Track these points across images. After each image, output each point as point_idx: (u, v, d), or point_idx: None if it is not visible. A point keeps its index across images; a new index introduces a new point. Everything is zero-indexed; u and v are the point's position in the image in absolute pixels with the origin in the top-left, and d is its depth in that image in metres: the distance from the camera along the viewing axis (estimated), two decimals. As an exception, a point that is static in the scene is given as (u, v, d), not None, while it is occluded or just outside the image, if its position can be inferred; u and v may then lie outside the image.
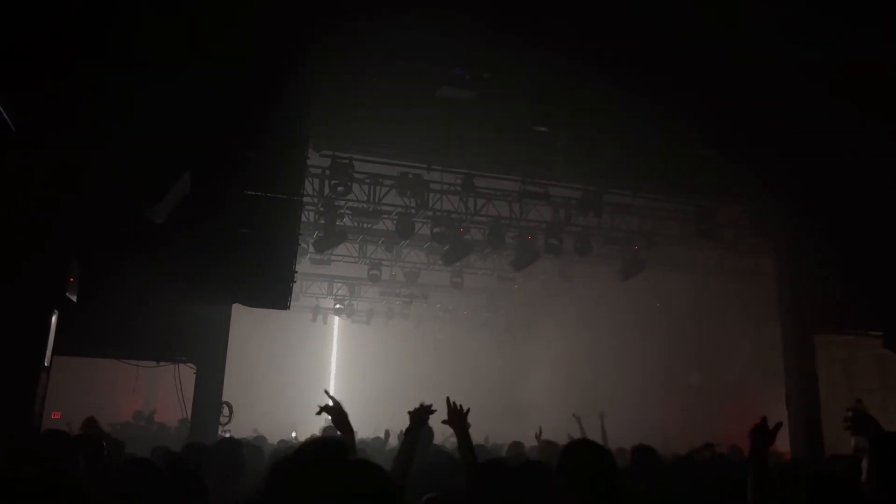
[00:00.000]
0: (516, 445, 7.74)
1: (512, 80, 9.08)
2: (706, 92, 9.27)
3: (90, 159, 5.48)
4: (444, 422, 4.09)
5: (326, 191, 11.71)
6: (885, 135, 9.23)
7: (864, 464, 3.28)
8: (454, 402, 4.05)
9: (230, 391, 9.07)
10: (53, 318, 5.65)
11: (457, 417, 3.98)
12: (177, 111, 6.06)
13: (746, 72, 8.91)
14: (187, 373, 8.74)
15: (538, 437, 8.64)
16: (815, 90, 8.97)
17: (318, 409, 3.82)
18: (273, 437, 12.04)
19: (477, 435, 4.52)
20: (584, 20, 8.10)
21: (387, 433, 9.72)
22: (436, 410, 4.15)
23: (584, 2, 7.89)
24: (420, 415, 4.07)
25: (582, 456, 3.27)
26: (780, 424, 3.56)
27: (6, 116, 4.96)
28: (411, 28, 8.03)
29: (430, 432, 5.55)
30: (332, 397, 3.85)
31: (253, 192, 7.54)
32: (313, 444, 2.40)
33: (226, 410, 8.97)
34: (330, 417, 3.87)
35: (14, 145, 5.07)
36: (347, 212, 12.66)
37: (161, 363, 8.61)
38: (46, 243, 5.25)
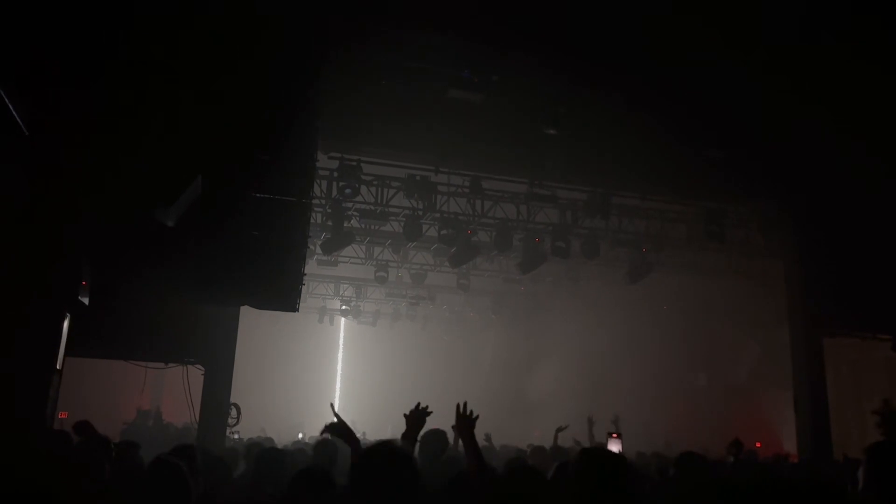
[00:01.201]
0: (539, 451, 7.62)
1: (520, 82, 9.07)
2: (715, 94, 9.26)
3: (102, 163, 5.50)
4: (452, 427, 4.02)
5: (334, 192, 11.72)
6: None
7: (860, 472, 3.27)
8: (463, 407, 3.93)
9: (236, 391, 9.09)
10: (65, 322, 5.67)
11: (464, 424, 3.86)
12: (190, 115, 6.08)
13: (753, 75, 8.90)
14: (195, 374, 8.76)
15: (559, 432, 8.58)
16: (823, 94, 8.97)
17: (323, 429, 3.89)
18: (280, 438, 12.10)
19: (480, 434, 4.48)
20: (589, 28, 8.11)
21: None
22: (432, 412, 4.09)
23: (590, 12, 7.88)
24: (416, 418, 4.02)
25: (597, 464, 3.22)
26: None
27: (19, 120, 4.98)
28: (420, 32, 8.05)
29: (444, 439, 5.44)
30: (336, 414, 3.90)
31: (262, 195, 7.55)
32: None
33: (234, 412, 8.98)
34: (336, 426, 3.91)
35: (27, 149, 5.10)
36: (355, 213, 12.66)
37: (170, 364, 8.63)
38: (60, 247, 5.27)
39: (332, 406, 4.09)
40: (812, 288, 10.75)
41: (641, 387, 16.35)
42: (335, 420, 3.92)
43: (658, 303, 16.50)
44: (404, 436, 3.90)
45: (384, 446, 2.87)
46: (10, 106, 4.88)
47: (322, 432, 4.04)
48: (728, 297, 15.20)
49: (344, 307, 19.96)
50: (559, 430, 8.49)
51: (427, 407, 4.04)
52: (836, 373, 12.94)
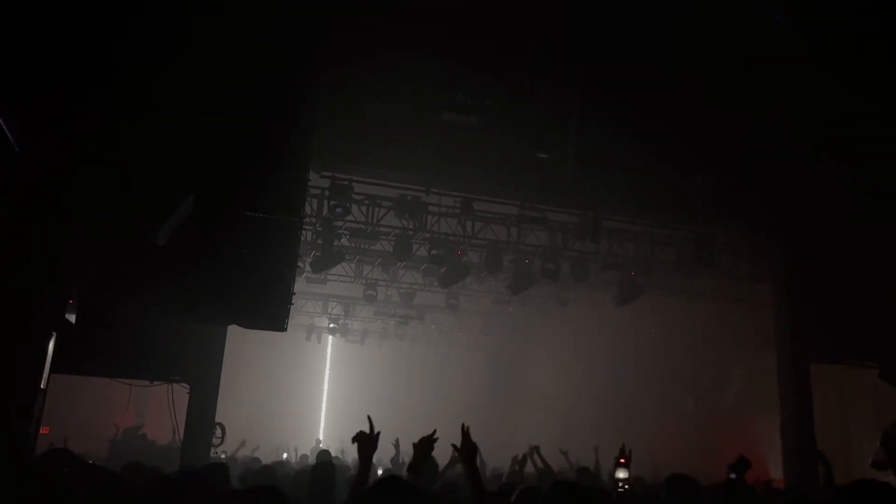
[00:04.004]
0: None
1: (513, 106, 9.13)
2: (706, 120, 9.36)
3: (92, 181, 5.48)
4: (453, 446, 3.99)
5: (325, 211, 11.72)
6: (883, 165, 9.34)
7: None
8: (468, 430, 3.90)
9: (221, 410, 9.00)
10: (51, 342, 5.61)
11: (468, 451, 3.84)
12: (182, 135, 6.07)
13: (746, 101, 9.01)
14: (180, 392, 8.67)
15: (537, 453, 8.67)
16: (815, 119, 9.08)
17: (354, 436, 3.93)
18: (265, 458, 11.97)
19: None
20: (581, 54, 8.20)
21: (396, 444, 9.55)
22: (438, 438, 4.10)
23: (582, 38, 7.97)
24: (424, 447, 4.01)
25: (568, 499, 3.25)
26: None
27: (9, 136, 4.96)
28: (414, 54, 8.10)
29: (435, 465, 5.44)
30: (371, 426, 3.91)
31: (253, 214, 7.52)
32: None
33: (218, 431, 8.89)
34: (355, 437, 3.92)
35: (17, 167, 5.07)
36: (345, 232, 12.66)
37: (155, 382, 8.54)
38: (48, 266, 5.23)
39: (369, 418, 4.14)
40: (800, 314, 10.80)
41: (628, 409, 16.34)
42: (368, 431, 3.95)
43: (646, 326, 16.53)
44: (411, 466, 3.90)
45: (393, 481, 2.87)
46: (0, 122, 4.86)
47: (353, 439, 4.07)
48: (716, 321, 15.26)
49: (332, 325, 19.87)
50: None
51: (434, 432, 4.04)
52: (822, 399, 12.98)
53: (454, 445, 3.93)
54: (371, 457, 3.94)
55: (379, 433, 4.06)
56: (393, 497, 3.03)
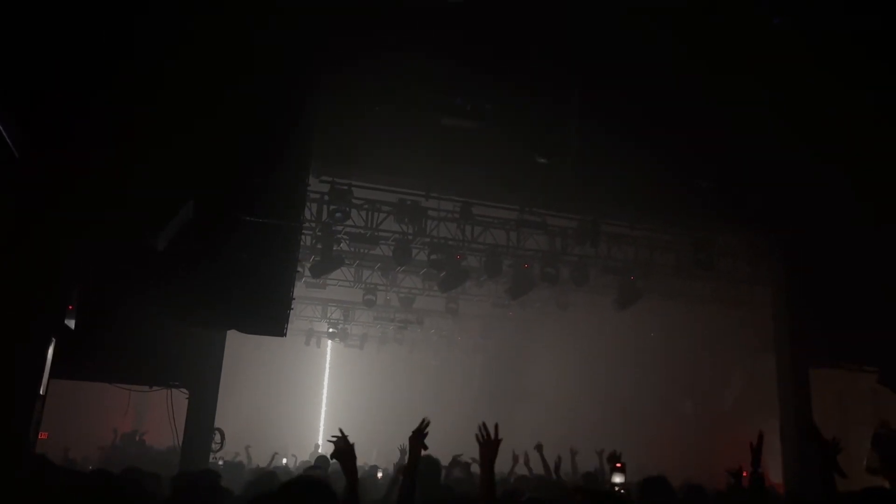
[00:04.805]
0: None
1: (513, 111, 9.13)
2: (705, 121, 9.37)
3: (92, 186, 5.46)
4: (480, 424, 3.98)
5: (325, 216, 11.71)
6: (883, 165, 9.35)
7: None
8: (486, 429, 3.86)
9: (221, 415, 8.97)
10: (51, 348, 5.58)
11: (488, 448, 3.84)
12: (181, 139, 6.06)
13: (746, 101, 9.01)
14: (179, 397, 8.64)
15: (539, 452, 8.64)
16: (815, 119, 9.09)
17: (332, 453, 3.88)
18: (260, 462, 11.95)
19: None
20: (581, 58, 8.20)
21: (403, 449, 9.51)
22: (429, 422, 4.09)
23: (582, 43, 7.97)
24: (416, 442, 3.98)
25: None
26: None
27: (9, 142, 4.94)
28: (414, 58, 8.10)
29: (437, 467, 5.39)
30: (345, 437, 3.87)
31: (253, 219, 7.50)
32: None
33: (217, 437, 8.85)
34: (334, 453, 3.88)
35: (17, 166, 5.05)
36: (345, 237, 12.64)
37: (154, 388, 8.51)
38: (48, 272, 5.20)
39: (340, 431, 4.09)
40: (799, 317, 10.78)
41: (628, 412, 16.32)
42: (341, 442, 3.91)
43: (645, 329, 16.52)
44: (405, 470, 3.87)
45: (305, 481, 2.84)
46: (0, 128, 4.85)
47: (332, 455, 4.05)
48: (715, 324, 15.25)
49: (331, 330, 19.82)
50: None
51: (425, 422, 4.01)
52: (821, 402, 12.96)
53: (482, 425, 3.88)
54: (354, 466, 3.93)
55: (353, 444, 4.05)
56: (297, 499, 3.03)
